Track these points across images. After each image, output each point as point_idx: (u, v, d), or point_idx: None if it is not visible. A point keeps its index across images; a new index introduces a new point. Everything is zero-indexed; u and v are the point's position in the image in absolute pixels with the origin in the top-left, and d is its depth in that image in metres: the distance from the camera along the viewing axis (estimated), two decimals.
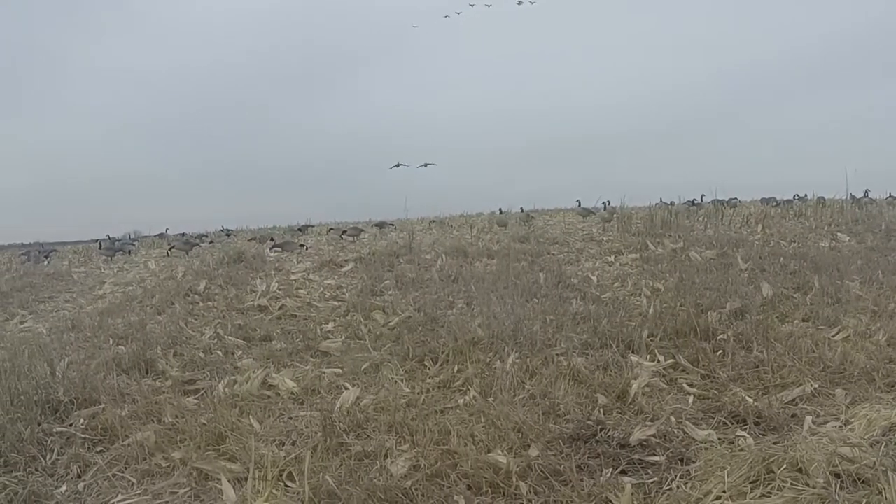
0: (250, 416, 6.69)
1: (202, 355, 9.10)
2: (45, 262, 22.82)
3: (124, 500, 5.36)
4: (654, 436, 5.92)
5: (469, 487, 5.18)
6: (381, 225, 26.82)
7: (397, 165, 26.88)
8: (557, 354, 8.11)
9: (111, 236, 32.68)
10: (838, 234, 17.65)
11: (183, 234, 32.06)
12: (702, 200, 29.19)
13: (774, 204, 28.69)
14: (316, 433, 6.18)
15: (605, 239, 18.79)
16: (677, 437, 5.93)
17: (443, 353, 8.36)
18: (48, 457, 6.00)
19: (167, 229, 33.42)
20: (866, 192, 27.91)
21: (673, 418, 6.25)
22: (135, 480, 5.60)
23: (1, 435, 6.05)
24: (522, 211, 28.01)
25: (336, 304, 12.08)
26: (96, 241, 30.22)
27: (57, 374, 7.73)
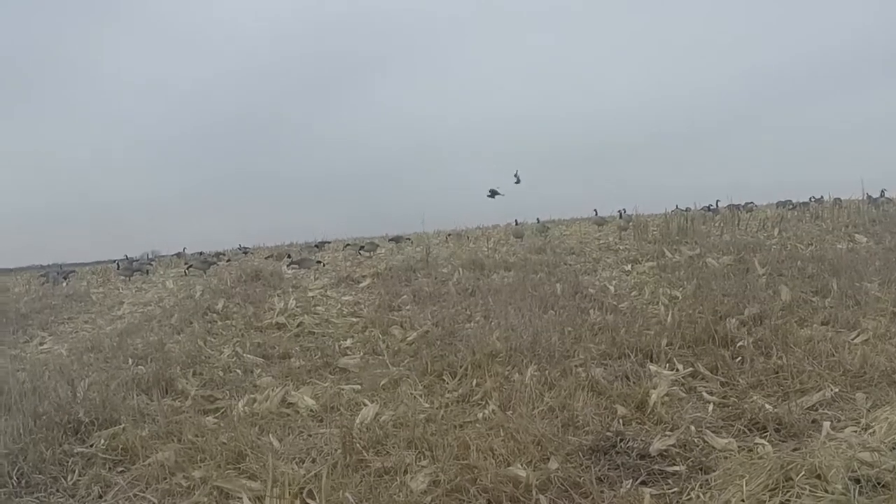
0: (270, 435, 6.70)
1: (221, 374, 9.16)
2: (64, 284, 22.92)
3: None
4: (673, 445, 5.90)
5: (489, 502, 5.18)
6: (396, 239, 26.79)
7: (493, 195, 25.72)
8: (576, 365, 8.10)
9: (129, 256, 32.83)
10: (856, 235, 17.67)
11: (200, 253, 32.13)
12: (717, 206, 29.13)
13: (791, 207, 28.59)
14: (335, 450, 6.17)
15: (621, 248, 18.85)
16: (697, 447, 5.91)
17: (461, 366, 8.35)
18: (69, 477, 6.01)
19: (185, 249, 33.48)
20: (882, 192, 27.76)
21: (693, 427, 6.22)
22: (155, 500, 5.59)
23: (23, 456, 6.08)
24: (539, 221, 27.97)
25: (354, 320, 12.12)
26: (114, 261, 30.36)
27: (78, 394, 7.74)
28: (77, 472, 6.12)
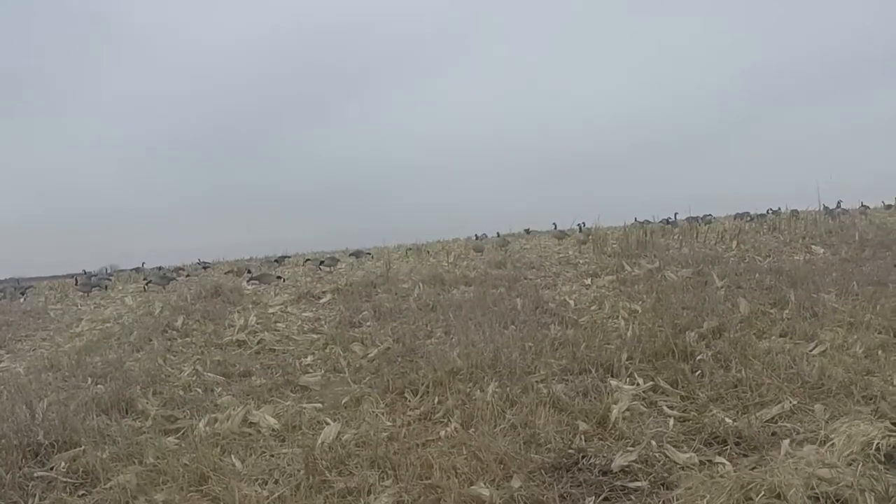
0: (232, 455, 6.69)
1: (182, 393, 9.11)
2: (22, 299, 22.74)
3: None
4: (635, 461, 5.94)
5: None
6: (357, 254, 26.82)
7: None
8: (537, 382, 8.12)
9: (87, 272, 32.59)
10: (812, 246, 18.01)
11: (159, 268, 31.94)
12: (676, 219, 29.41)
13: (748, 219, 28.97)
14: (298, 471, 6.16)
15: (581, 261, 18.93)
16: (659, 462, 5.95)
17: (423, 384, 8.35)
18: (30, 502, 5.97)
19: (143, 263, 33.34)
20: (839, 203, 28.24)
21: (654, 442, 6.26)
22: None
23: None
24: (499, 236, 28.16)
25: (314, 336, 12.10)
26: (73, 276, 30.12)
27: (36, 416, 7.67)
28: (38, 496, 6.07)
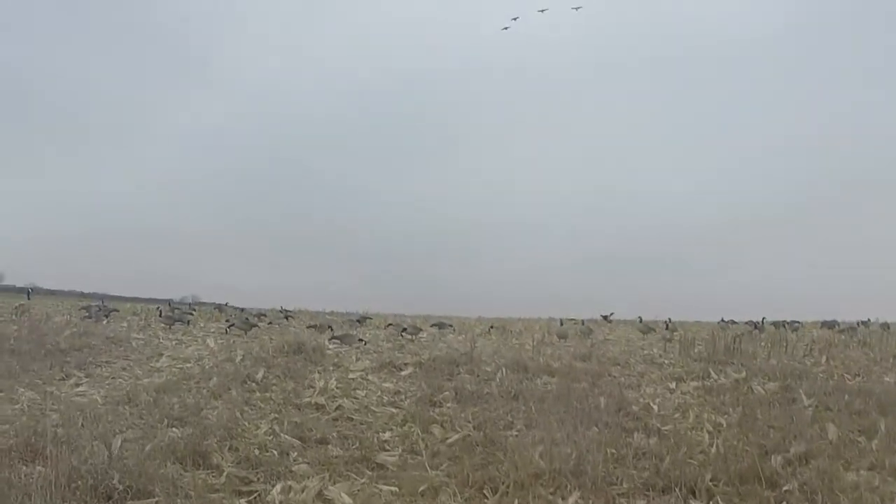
0: None
1: (257, 452, 8.95)
2: (105, 321, 22.99)
3: None
4: None
5: None
6: (440, 325, 26.65)
7: None
8: (619, 495, 7.88)
9: (172, 302, 32.96)
10: None
11: (242, 310, 32.17)
12: (763, 323, 28.96)
13: (838, 330, 28.37)
14: None
15: (665, 362, 18.59)
16: None
17: (503, 483, 8.07)
18: None
19: (227, 303, 33.63)
20: None
21: None
22: None
23: None
24: (584, 324, 27.94)
25: (394, 410, 11.91)
26: (155, 302, 30.51)
27: (112, 454, 7.52)
28: None
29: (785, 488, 8.14)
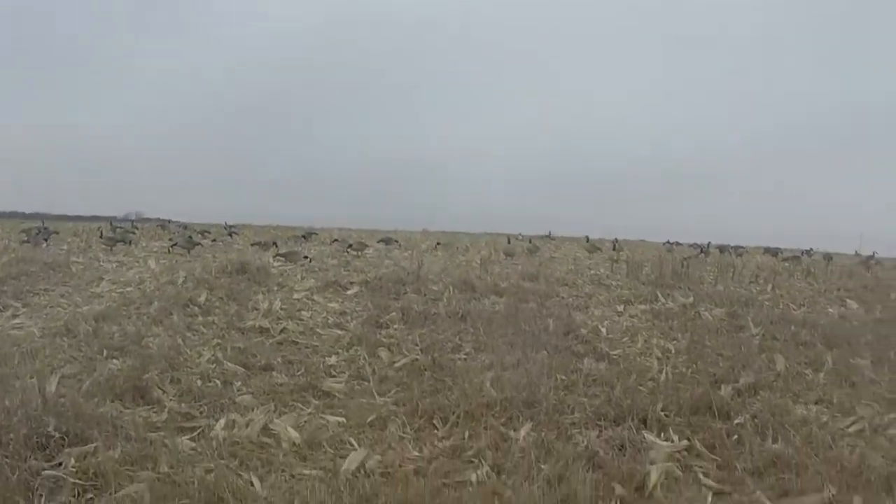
0: (251, 473, 6.32)
1: (199, 383, 8.73)
2: (45, 245, 22.51)
3: None
4: None
5: None
6: (386, 241, 26.51)
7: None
8: (571, 425, 7.79)
9: (114, 221, 32.41)
10: (847, 300, 17.73)
11: (185, 227, 31.75)
12: (708, 247, 29.16)
13: (782, 258, 28.68)
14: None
15: (613, 284, 18.65)
16: None
17: (453, 413, 7.95)
18: None
19: (170, 220, 33.17)
20: (874, 253, 27.89)
21: None
22: None
23: None
24: (530, 241, 27.93)
25: (340, 332, 11.77)
26: (98, 220, 29.98)
27: (48, 401, 7.25)
28: (44, 497, 5.71)
29: (736, 421, 8.08)
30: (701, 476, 6.81)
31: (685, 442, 7.48)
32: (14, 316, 12.20)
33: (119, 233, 26.29)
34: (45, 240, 23.61)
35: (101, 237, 24.56)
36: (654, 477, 6.52)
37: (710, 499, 6.38)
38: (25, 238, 23.65)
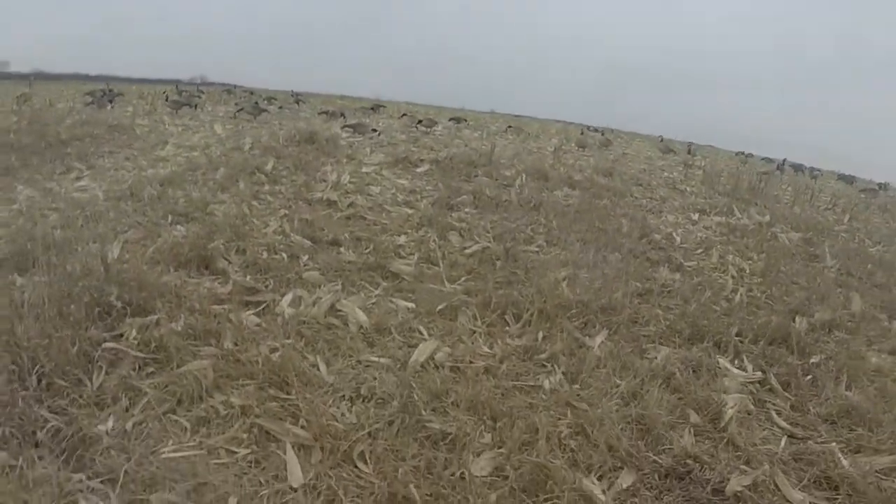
0: (317, 356, 6.06)
1: (265, 255, 8.48)
2: (109, 107, 22.34)
3: (175, 450, 4.69)
4: (748, 486, 5.15)
5: None
6: (456, 119, 26.04)
7: None
8: (645, 337, 7.46)
9: (179, 84, 32.17)
10: None
11: (251, 93, 31.47)
12: (784, 164, 28.48)
13: (858, 189, 27.98)
14: (391, 398, 5.49)
15: (687, 189, 18.14)
16: (772, 495, 5.15)
17: (527, 310, 7.57)
18: (95, 379, 5.36)
19: (235, 86, 32.89)
20: None
21: (767, 465, 5.45)
22: (188, 426, 4.93)
23: (45, 351, 5.38)
24: (602, 134, 27.43)
25: (409, 211, 11.47)
26: (163, 83, 29.77)
27: (111, 268, 7.01)
28: (104, 370, 5.48)
29: (812, 360, 7.54)
30: (774, 415, 6.40)
31: (759, 374, 7.03)
32: (78, 178, 12.05)
33: (184, 96, 26.08)
34: (110, 101, 23.46)
35: (166, 100, 24.37)
36: (730, 410, 6.13)
37: (783, 442, 5.99)
38: (90, 100, 23.51)
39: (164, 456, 4.62)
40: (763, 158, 30.37)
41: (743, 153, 31.34)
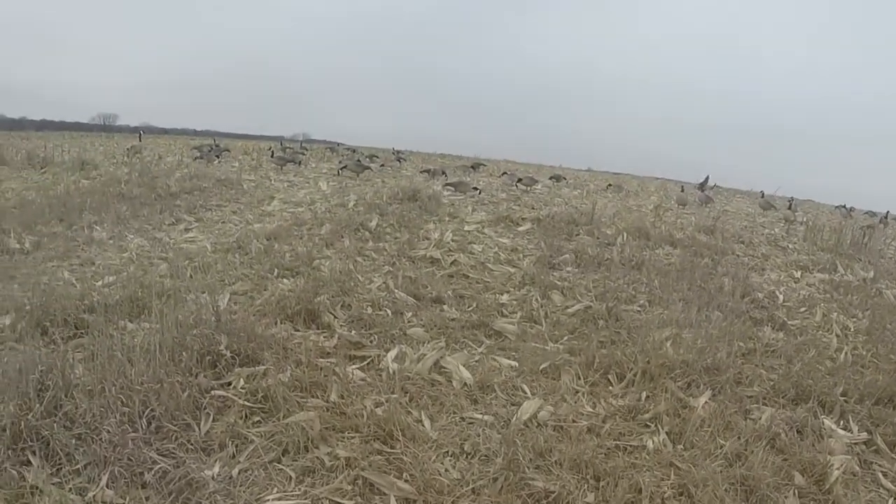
0: (422, 412, 6.06)
1: (370, 311, 8.55)
2: (217, 161, 22.90)
3: (280, 498, 4.74)
4: None
5: None
6: (556, 178, 26.10)
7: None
8: (748, 397, 7.26)
9: (283, 140, 32.84)
10: None
11: (353, 151, 31.94)
12: (887, 217, 27.65)
13: None
14: (494, 454, 5.46)
15: (789, 246, 17.74)
16: None
17: (630, 370, 7.50)
18: (203, 425, 5.45)
19: (338, 143, 33.45)
20: None
21: None
22: (293, 475, 4.99)
23: (156, 396, 5.49)
24: (703, 191, 27.13)
25: (511, 270, 11.44)
26: (266, 140, 30.42)
27: (221, 318, 7.14)
28: (212, 417, 5.57)
29: None
30: (881, 476, 6.20)
31: (865, 434, 6.80)
32: (187, 230, 12.37)
33: (289, 153, 26.59)
34: (217, 156, 24.05)
35: (271, 156, 24.87)
36: (835, 472, 5.95)
37: (890, 503, 5.78)
38: (198, 154, 24.14)
39: None
40: (866, 212, 29.62)
41: (844, 206, 30.62)
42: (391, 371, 6.85)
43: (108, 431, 5.03)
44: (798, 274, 14.22)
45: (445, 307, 9.16)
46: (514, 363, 7.51)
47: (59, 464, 4.80)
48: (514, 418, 6.14)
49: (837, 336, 9.80)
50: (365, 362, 7.12)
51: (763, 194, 28.12)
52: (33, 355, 5.87)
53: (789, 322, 10.28)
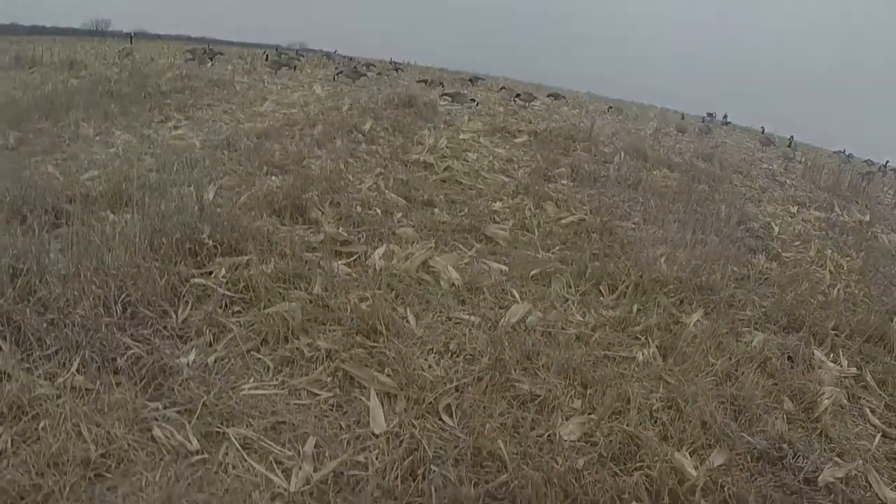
0: (406, 308, 5.92)
1: (359, 209, 8.37)
2: (210, 64, 22.49)
3: (256, 388, 4.62)
4: (840, 479, 4.88)
5: (647, 490, 4.29)
6: (555, 96, 25.73)
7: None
8: (740, 321, 7.20)
9: (279, 48, 32.35)
10: None
11: (350, 59, 31.48)
12: (886, 167, 27.46)
13: None
14: (480, 355, 5.32)
15: (787, 182, 17.50)
16: (863, 491, 4.87)
17: (622, 282, 7.37)
18: (180, 312, 5.30)
19: (336, 50, 32.94)
20: None
21: (861, 461, 5.16)
22: (271, 365, 4.86)
23: (133, 281, 5.32)
24: (703, 121, 26.95)
25: (505, 179, 11.23)
26: (262, 47, 29.97)
27: (205, 208, 6.96)
28: (190, 305, 5.41)
29: None
30: (868, 412, 6.10)
31: (855, 370, 6.72)
32: (176, 127, 12.12)
33: (284, 58, 26.16)
34: (210, 59, 23.59)
35: (266, 60, 24.47)
36: (825, 401, 5.85)
37: (877, 440, 5.68)
38: (190, 57, 23.67)
39: (244, 392, 4.56)
40: (865, 160, 29.40)
41: (843, 152, 30.39)
42: (378, 268, 6.70)
43: (81, 315, 4.89)
44: (794, 209, 14.02)
45: (436, 210, 8.99)
46: (504, 267, 7.37)
47: (30, 349, 4.67)
48: (503, 321, 6.02)
49: (831, 272, 9.68)
50: (351, 258, 6.98)
51: (763, 129, 27.89)
52: (7, 241, 5.71)
53: (783, 254, 10.17)
